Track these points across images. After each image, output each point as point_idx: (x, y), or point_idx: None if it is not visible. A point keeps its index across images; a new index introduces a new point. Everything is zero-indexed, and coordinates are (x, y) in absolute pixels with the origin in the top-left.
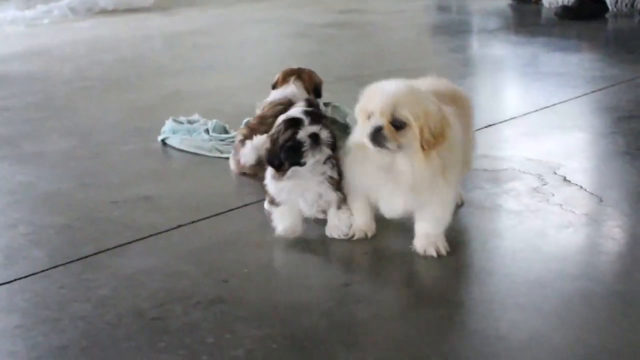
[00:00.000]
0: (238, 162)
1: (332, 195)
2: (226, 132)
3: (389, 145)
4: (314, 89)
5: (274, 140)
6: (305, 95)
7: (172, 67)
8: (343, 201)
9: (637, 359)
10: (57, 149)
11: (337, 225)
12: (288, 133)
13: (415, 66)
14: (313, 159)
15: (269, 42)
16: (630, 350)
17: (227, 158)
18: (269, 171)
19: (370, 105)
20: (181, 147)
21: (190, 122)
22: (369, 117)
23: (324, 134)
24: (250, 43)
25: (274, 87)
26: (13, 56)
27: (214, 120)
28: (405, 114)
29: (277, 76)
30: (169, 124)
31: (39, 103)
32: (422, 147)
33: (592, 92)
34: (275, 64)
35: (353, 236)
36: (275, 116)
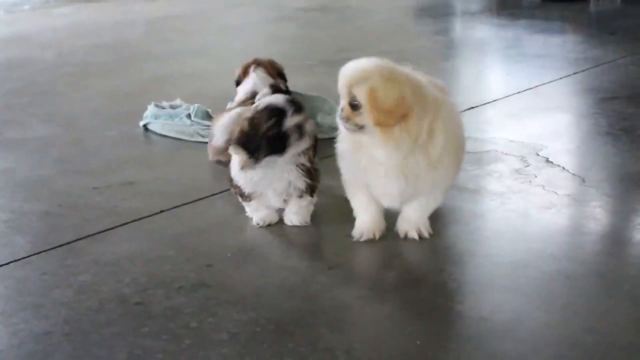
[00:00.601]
0: (213, 148)
1: (302, 183)
2: (209, 116)
3: (347, 126)
4: (278, 73)
5: (253, 126)
6: (269, 81)
7: (153, 53)
8: (310, 190)
9: (620, 338)
10: (38, 135)
11: (297, 212)
12: (272, 122)
13: (398, 48)
14: (294, 150)
15: (251, 26)
16: (612, 330)
17: None
18: (237, 162)
19: (339, 86)
20: (163, 133)
21: (172, 107)
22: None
23: (308, 125)
24: (233, 27)
25: (238, 83)
26: None
27: (196, 105)
28: (357, 93)
29: (237, 72)
30: (150, 109)
31: (20, 89)
32: (375, 125)
33: (575, 73)
34: (258, 48)
35: (361, 237)
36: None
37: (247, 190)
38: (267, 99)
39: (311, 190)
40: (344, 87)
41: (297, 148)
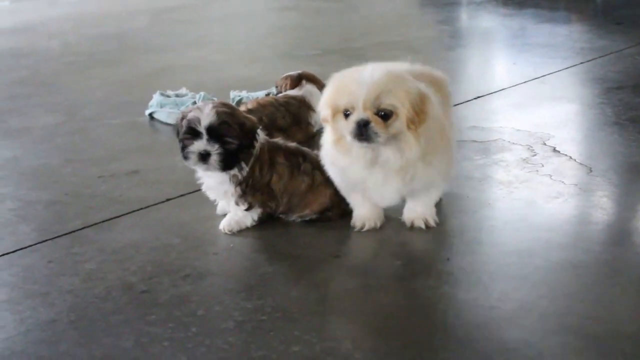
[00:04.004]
0: None
1: (232, 190)
2: None
3: (379, 139)
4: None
5: (179, 124)
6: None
7: (158, 43)
8: (242, 198)
9: (626, 327)
10: (43, 124)
11: (237, 221)
12: (184, 136)
13: (403, 38)
14: (202, 171)
15: (255, 15)
16: (618, 318)
17: None
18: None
19: (343, 99)
20: (168, 121)
21: (178, 95)
22: (344, 112)
23: (215, 157)
24: (237, 17)
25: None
26: None
27: (202, 93)
28: (391, 102)
29: (281, 83)
30: (156, 97)
31: (24, 79)
32: (409, 127)
33: (581, 63)
34: (262, 38)
35: (362, 227)
36: (271, 104)
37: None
38: (201, 110)
39: (250, 202)
40: (368, 100)
41: (207, 172)
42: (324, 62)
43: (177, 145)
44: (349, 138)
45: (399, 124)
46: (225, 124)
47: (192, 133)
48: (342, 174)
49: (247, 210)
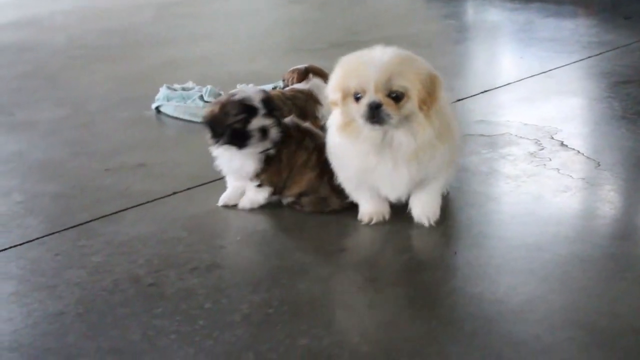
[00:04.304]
0: None
1: (250, 168)
2: None
3: (392, 121)
4: None
5: (223, 113)
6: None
7: (164, 36)
8: (257, 176)
9: (634, 321)
10: (49, 117)
11: (250, 199)
12: (239, 117)
13: (409, 32)
14: (253, 149)
15: (260, 9)
16: (627, 312)
17: None
18: (207, 140)
19: (354, 82)
20: (175, 115)
21: (184, 89)
22: (354, 95)
23: (274, 131)
24: (243, 11)
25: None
26: (4, 25)
27: (208, 87)
28: (402, 84)
29: (287, 76)
30: (162, 91)
31: (31, 72)
32: (421, 108)
33: (588, 57)
34: (268, 32)
35: (370, 221)
36: (278, 97)
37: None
38: (246, 91)
39: (261, 179)
40: (380, 82)
41: (257, 148)
42: (329, 55)
43: (206, 138)
44: (360, 121)
45: (410, 105)
46: (272, 98)
47: (248, 111)
48: (349, 164)
49: (258, 187)
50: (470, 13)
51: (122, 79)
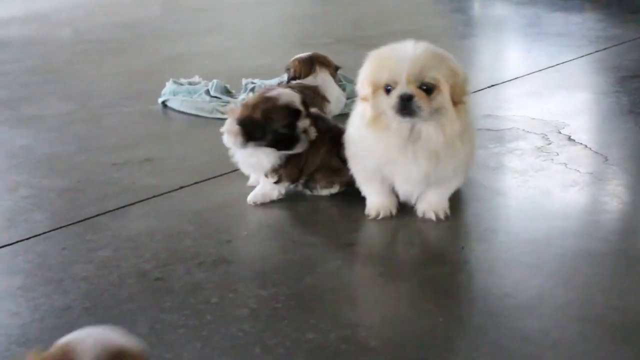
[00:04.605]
0: None
1: (270, 163)
2: (228, 92)
3: (423, 113)
4: (336, 69)
5: (266, 118)
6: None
7: (170, 30)
8: (274, 171)
9: None
10: (56, 112)
11: (263, 193)
12: (286, 121)
13: (416, 27)
14: (294, 150)
15: (267, 3)
16: (635, 307)
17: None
18: (228, 139)
19: (385, 75)
20: (181, 109)
21: (190, 83)
22: (385, 88)
23: (312, 130)
24: (249, 5)
25: (293, 79)
26: (11, 20)
27: (215, 81)
28: (434, 76)
29: (291, 65)
30: (169, 85)
31: (38, 67)
32: (454, 102)
33: (596, 51)
34: (274, 26)
35: (377, 215)
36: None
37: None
38: (286, 96)
39: (279, 175)
40: (412, 73)
41: (297, 149)
42: (336, 50)
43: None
44: (391, 113)
45: (441, 98)
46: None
47: (294, 115)
48: (368, 157)
49: (275, 183)
50: (477, 7)
51: (128, 74)
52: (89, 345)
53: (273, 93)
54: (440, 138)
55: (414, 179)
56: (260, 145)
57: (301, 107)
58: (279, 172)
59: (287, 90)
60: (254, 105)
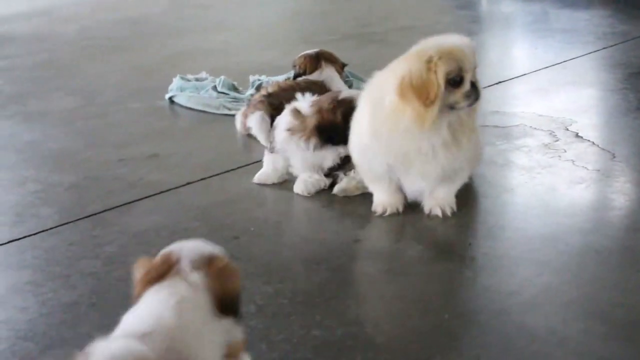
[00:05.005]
0: (244, 124)
1: (332, 162)
2: (235, 89)
3: (474, 104)
4: (342, 66)
5: (346, 117)
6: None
7: (177, 27)
8: (335, 170)
9: None
10: (63, 107)
11: (305, 181)
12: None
13: (422, 23)
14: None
15: (273, 0)
16: (639, 305)
17: (235, 115)
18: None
19: (454, 65)
20: (188, 105)
21: (197, 79)
22: (455, 78)
23: None
24: (254, 2)
25: (299, 75)
26: (17, 16)
27: (222, 77)
28: (478, 63)
29: (298, 62)
30: (176, 81)
31: (44, 62)
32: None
33: (603, 48)
34: (280, 22)
35: (384, 212)
36: (292, 88)
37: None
38: (354, 96)
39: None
40: (474, 63)
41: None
42: (342, 47)
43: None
44: (463, 104)
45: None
46: None
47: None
48: (382, 157)
49: (326, 176)
50: (484, 4)
51: (135, 70)
52: (186, 252)
53: (345, 95)
54: (472, 122)
55: (429, 175)
56: (339, 147)
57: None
58: (336, 170)
59: (353, 91)
60: (333, 109)
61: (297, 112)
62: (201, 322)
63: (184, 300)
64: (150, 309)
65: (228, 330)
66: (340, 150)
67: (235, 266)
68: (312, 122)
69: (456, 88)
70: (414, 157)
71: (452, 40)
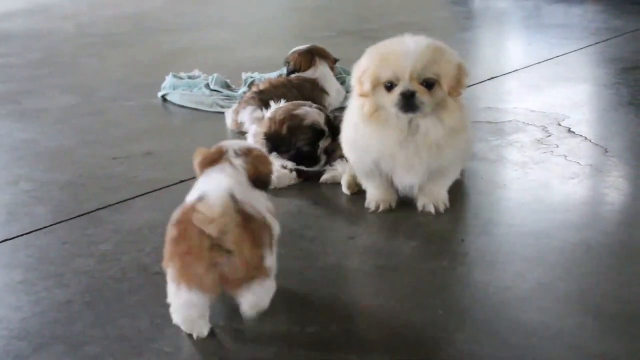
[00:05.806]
0: (236, 120)
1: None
2: (228, 86)
3: (425, 108)
4: (335, 62)
5: (291, 134)
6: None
7: (172, 24)
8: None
9: None
10: (58, 105)
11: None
12: (309, 140)
13: (417, 19)
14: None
15: None
16: (635, 299)
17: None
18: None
19: (387, 71)
20: (181, 103)
21: (190, 77)
22: (385, 84)
23: (338, 152)
24: None
25: (292, 72)
26: (14, 13)
27: (214, 75)
28: (436, 71)
29: (291, 58)
30: (169, 79)
31: (41, 60)
32: (450, 94)
33: (596, 43)
34: (276, 19)
35: (377, 208)
36: (284, 85)
37: None
38: (312, 115)
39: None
40: (415, 70)
41: (316, 167)
42: (338, 43)
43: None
44: (393, 110)
45: (441, 92)
46: (331, 118)
47: (316, 135)
48: (367, 152)
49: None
50: (478, 0)
51: (132, 66)
52: (232, 145)
53: (300, 111)
54: (440, 131)
55: (415, 171)
56: (283, 158)
57: (325, 128)
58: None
59: (314, 110)
60: (281, 121)
61: (260, 119)
62: (246, 187)
63: (231, 176)
64: (209, 180)
65: (264, 196)
66: (285, 163)
67: (266, 154)
68: (263, 129)
69: (389, 92)
70: (395, 151)
71: (398, 43)
